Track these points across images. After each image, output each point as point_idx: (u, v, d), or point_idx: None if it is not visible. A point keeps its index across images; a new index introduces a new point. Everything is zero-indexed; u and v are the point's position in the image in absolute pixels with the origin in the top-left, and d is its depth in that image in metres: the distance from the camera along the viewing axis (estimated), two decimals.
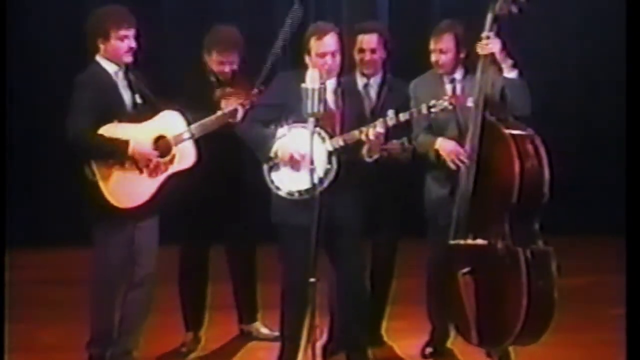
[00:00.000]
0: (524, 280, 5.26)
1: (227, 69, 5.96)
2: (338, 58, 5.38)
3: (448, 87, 5.64)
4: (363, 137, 5.27)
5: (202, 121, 5.56)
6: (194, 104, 5.63)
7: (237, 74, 5.98)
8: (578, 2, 8.95)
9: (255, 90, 5.75)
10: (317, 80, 4.96)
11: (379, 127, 5.26)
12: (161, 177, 5.46)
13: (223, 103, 5.79)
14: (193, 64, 6.10)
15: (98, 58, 5.45)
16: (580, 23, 8.99)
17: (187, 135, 5.51)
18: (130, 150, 5.35)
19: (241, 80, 5.96)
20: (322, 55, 5.33)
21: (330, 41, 5.34)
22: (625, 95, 5.38)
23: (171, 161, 5.49)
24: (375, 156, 5.33)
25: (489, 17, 5.44)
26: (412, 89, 5.75)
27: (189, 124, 5.52)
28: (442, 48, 5.62)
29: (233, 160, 5.91)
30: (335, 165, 5.28)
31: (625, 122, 5.30)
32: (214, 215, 6.05)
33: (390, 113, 5.29)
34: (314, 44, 5.35)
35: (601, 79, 8.91)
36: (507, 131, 5.36)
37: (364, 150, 5.32)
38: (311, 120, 4.95)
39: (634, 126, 5.09)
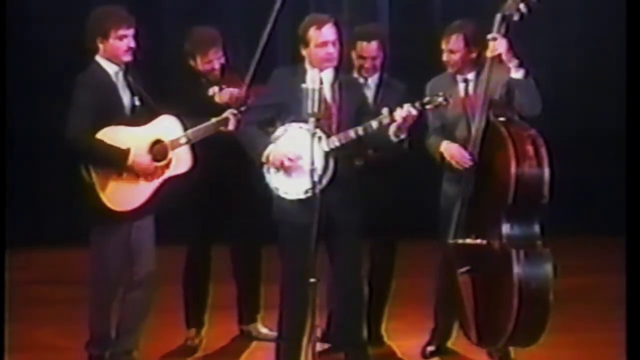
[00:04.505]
0: (515, 281, 5.24)
1: (215, 65, 6.00)
2: (338, 47, 5.38)
3: (461, 87, 5.67)
4: (388, 118, 5.23)
5: (199, 127, 5.55)
6: (190, 106, 5.62)
7: (225, 67, 6.04)
8: (579, 2, 8.95)
9: (245, 88, 5.76)
10: (318, 81, 4.98)
11: (400, 111, 5.22)
12: (157, 182, 5.46)
13: (217, 98, 5.81)
14: (181, 70, 6.11)
15: (97, 58, 5.45)
16: (581, 23, 8.98)
17: (183, 140, 5.51)
18: (130, 160, 5.36)
19: (230, 73, 6.02)
20: (323, 44, 5.32)
21: (330, 30, 5.34)
22: (625, 95, 5.38)
23: (167, 165, 5.48)
24: (402, 136, 5.30)
25: (498, 17, 5.41)
26: (428, 88, 5.73)
27: (185, 128, 5.53)
28: (452, 48, 5.63)
29: (238, 160, 5.91)
30: (332, 166, 5.27)
31: (625, 122, 5.30)
32: (218, 214, 6.07)
33: (385, 111, 5.28)
34: (313, 34, 5.34)
35: (601, 79, 8.90)
36: (505, 131, 5.35)
37: (391, 130, 5.27)
38: (311, 120, 4.96)
39: (634, 126, 5.09)
